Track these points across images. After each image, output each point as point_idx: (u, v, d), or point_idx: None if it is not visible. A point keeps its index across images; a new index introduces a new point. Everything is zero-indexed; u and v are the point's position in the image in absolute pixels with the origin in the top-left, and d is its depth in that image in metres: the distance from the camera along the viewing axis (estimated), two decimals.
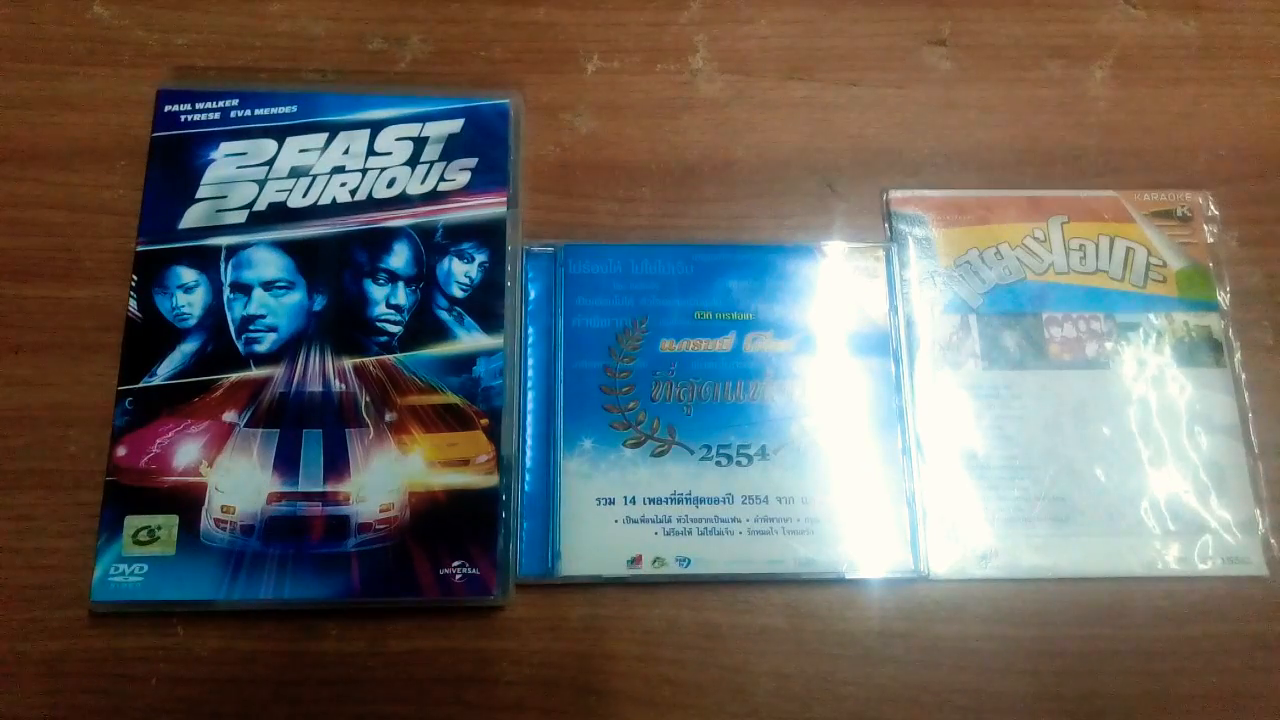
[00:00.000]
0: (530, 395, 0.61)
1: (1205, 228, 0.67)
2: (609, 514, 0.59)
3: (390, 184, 0.63)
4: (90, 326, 0.61)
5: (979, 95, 0.70)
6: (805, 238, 0.66)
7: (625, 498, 0.59)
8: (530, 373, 0.61)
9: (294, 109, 0.64)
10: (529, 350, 0.62)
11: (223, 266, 0.61)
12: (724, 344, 0.62)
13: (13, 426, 0.60)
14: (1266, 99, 0.70)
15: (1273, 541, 0.61)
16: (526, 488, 0.59)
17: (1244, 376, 0.64)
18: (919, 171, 0.68)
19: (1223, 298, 0.65)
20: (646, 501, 0.59)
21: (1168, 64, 0.71)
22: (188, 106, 0.64)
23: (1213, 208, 0.67)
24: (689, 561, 0.58)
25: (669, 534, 0.59)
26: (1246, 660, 0.58)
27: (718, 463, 0.60)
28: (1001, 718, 0.57)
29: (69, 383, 0.60)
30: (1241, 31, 0.71)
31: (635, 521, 0.59)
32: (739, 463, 0.60)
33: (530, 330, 0.62)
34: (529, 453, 0.60)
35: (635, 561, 0.58)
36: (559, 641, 0.58)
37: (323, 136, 0.64)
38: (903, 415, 0.62)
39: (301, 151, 0.64)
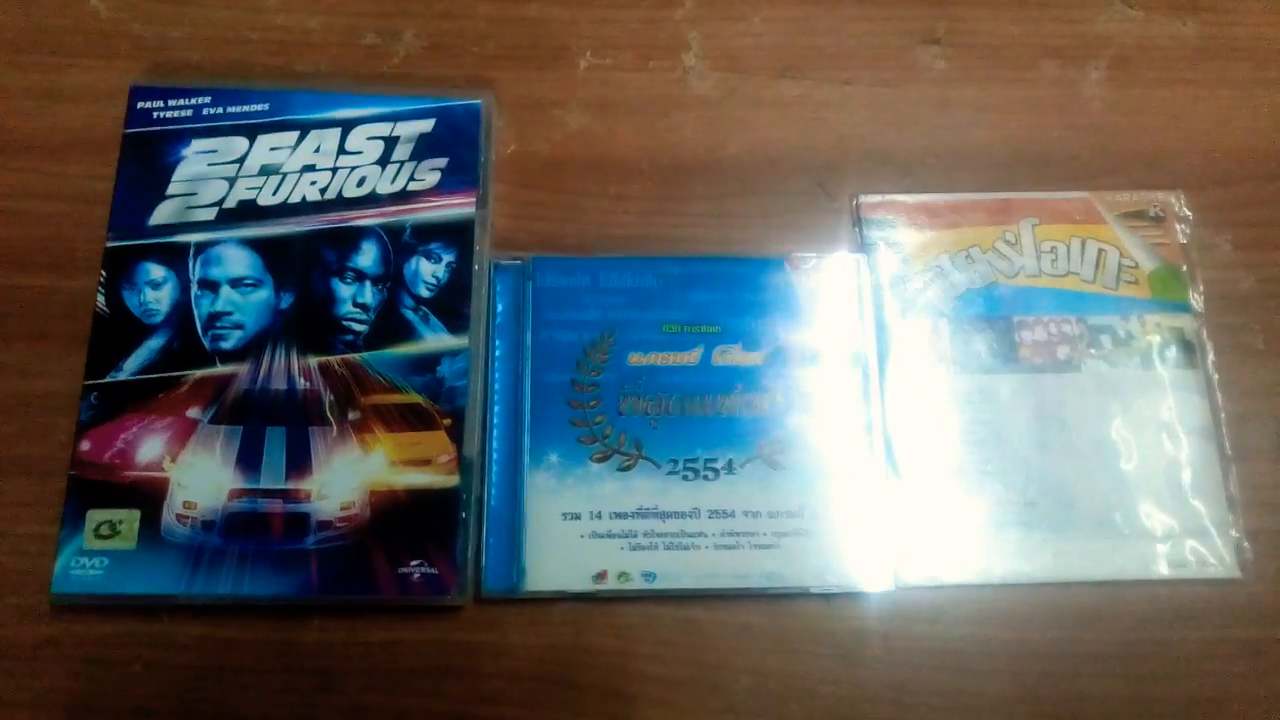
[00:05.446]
0: (496, 410, 0.60)
1: (1178, 227, 0.65)
2: (575, 529, 0.58)
3: (360, 183, 0.63)
4: (80, 317, 0.62)
5: (973, 95, 0.68)
6: (795, 237, 0.65)
7: (591, 512, 0.59)
8: (497, 386, 0.61)
9: (266, 107, 0.64)
10: (496, 364, 0.61)
11: (191, 263, 0.62)
12: (691, 357, 0.61)
13: None
14: (1264, 101, 0.68)
15: (1246, 545, 0.60)
16: (492, 502, 0.59)
17: (1217, 378, 0.63)
18: (911, 172, 0.67)
19: (1195, 299, 0.64)
20: (612, 516, 0.59)
21: (1164, 65, 0.69)
22: (160, 103, 0.64)
23: (1185, 208, 0.66)
24: (654, 576, 0.58)
25: (635, 549, 0.58)
26: (1221, 664, 0.58)
27: (684, 477, 0.59)
28: (981, 719, 0.57)
29: (55, 372, 0.61)
30: (1239, 33, 0.69)
31: (601, 536, 0.58)
32: (705, 477, 0.59)
33: (498, 344, 0.62)
34: (494, 467, 0.59)
35: (600, 577, 0.58)
36: (538, 637, 0.58)
37: (294, 135, 0.64)
38: (871, 427, 0.60)
39: (272, 149, 0.64)
